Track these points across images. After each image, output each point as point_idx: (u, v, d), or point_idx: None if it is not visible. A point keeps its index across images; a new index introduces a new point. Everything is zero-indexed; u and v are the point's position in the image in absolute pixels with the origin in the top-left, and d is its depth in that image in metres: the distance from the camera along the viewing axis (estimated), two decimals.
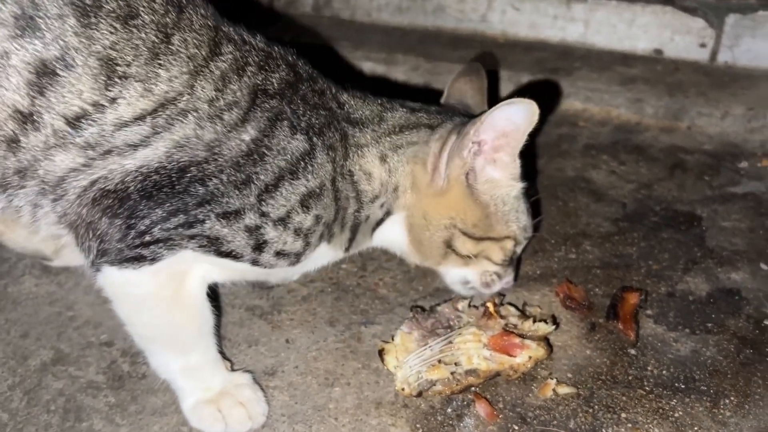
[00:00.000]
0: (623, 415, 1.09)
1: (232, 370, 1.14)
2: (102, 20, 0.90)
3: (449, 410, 1.10)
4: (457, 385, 1.10)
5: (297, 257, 1.06)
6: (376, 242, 1.20)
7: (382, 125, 1.13)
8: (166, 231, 0.95)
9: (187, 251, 0.97)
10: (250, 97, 0.97)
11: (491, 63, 2.01)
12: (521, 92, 1.08)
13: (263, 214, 0.98)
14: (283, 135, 0.99)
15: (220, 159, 0.95)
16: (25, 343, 1.21)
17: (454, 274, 1.22)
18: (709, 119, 1.86)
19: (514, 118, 1.05)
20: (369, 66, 2.14)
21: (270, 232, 1.00)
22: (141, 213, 0.95)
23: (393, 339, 1.17)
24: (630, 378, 1.16)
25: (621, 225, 1.53)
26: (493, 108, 1.03)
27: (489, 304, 1.19)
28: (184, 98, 0.94)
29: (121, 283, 1.00)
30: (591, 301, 1.31)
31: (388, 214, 1.15)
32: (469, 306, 1.22)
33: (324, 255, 1.14)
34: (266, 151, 0.98)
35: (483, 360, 1.11)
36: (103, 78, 0.90)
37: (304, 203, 1.01)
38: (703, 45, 2.03)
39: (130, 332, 1.06)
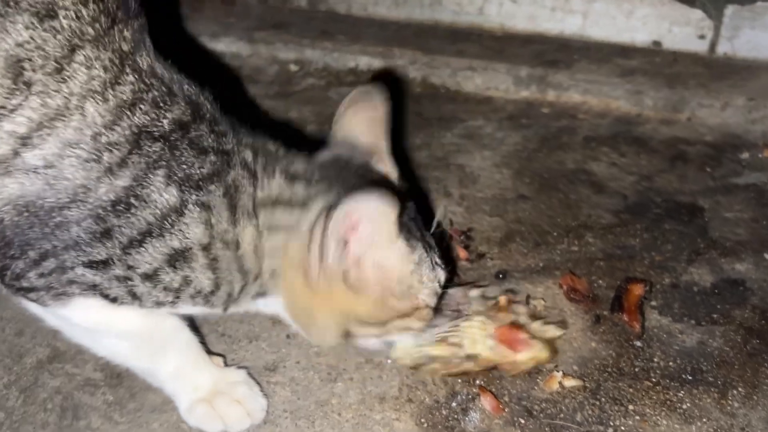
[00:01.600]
0: (630, 407, 1.08)
1: (226, 365, 1.12)
2: (21, 13, 0.83)
3: (454, 404, 1.08)
4: (454, 367, 1.09)
5: (173, 306, 0.96)
6: (262, 309, 1.07)
7: (259, 194, 0.97)
8: (43, 278, 0.89)
9: (77, 298, 0.91)
10: (134, 138, 0.88)
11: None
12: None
13: (130, 267, 0.90)
14: (155, 186, 0.88)
15: (82, 207, 0.87)
16: (20, 341, 1.18)
17: (374, 344, 1.05)
18: (710, 110, 1.85)
19: (371, 208, 0.88)
20: (366, 61, 2.12)
21: (140, 286, 0.91)
22: (15, 253, 0.88)
23: None
24: (636, 370, 1.15)
25: (623, 217, 1.51)
26: (345, 201, 0.87)
27: (501, 298, 1.17)
28: (74, 119, 0.85)
29: (40, 314, 0.98)
30: (595, 293, 1.29)
31: (264, 294, 1.01)
32: (481, 296, 1.20)
33: (205, 310, 1.01)
34: (134, 202, 0.87)
35: (486, 348, 1.09)
36: (8, 80, 0.83)
37: (172, 264, 0.90)
38: (702, 36, 2.01)
39: None
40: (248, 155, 0.97)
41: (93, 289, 0.91)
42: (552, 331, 1.16)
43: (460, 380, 1.11)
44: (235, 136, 0.98)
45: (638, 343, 1.19)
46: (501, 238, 1.44)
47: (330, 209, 0.90)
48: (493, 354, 1.10)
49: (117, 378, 1.12)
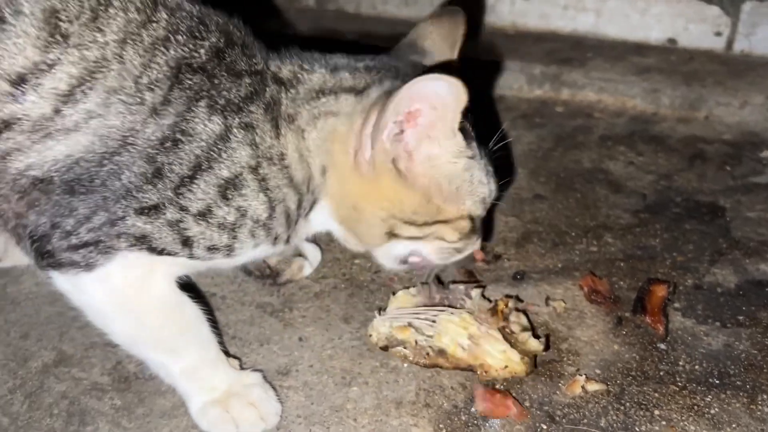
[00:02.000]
0: (656, 412, 1.04)
1: (241, 368, 1.09)
2: None
3: (473, 409, 1.04)
4: (424, 358, 1.08)
5: (230, 251, 0.95)
6: (317, 228, 1.08)
7: (300, 88, 0.97)
8: (92, 232, 0.88)
9: (123, 252, 0.89)
10: (173, 73, 0.88)
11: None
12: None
13: (182, 208, 0.89)
14: (199, 117, 0.89)
15: (132, 150, 0.87)
16: (25, 345, 1.15)
17: (398, 249, 1.06)
18: (728, 109, 1.81)
19: (440, 94, 0.88)
20: None
21: (193, 227, 0.90)
22: (64, 211, 0.87)
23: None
24: (661, 373, 1.10)
25: (642, 216, 1.48)
26: (414, 80, 0.87)
27: (501, 303, 1.14)
28: (113, 68, 0.85)
29: (70, 290, 0.94)
30: (616, 295, 1.25)
31: (315, 201, 1.02)
32: (482, 296, 1.17)
33: (269, 251, 1.02)
34: (181, 137, 0.88)
35: (455, 345, 1.07)
36: (45, 34, 0.82)
37: (224, 195, 0.90)
38: (718, 33, 1.98)
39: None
40: (280, 66, 0.98)
41: (141, 241, 0.89)
42: (534, 345, 1.11)
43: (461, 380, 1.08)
44: (265, 54, 0.98)
45: (662, 346, 1.15)
46: (518, 239, 1.41)
47: (392, 92, 0.90)
48: (465, 354, 1.07)
49: (125, 382, 1.08)
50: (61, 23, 0.82)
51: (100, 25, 0.84)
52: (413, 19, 2.28)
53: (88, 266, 0.89)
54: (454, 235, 1.03)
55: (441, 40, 1.10)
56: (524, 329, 1.12)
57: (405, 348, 1.10)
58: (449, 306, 1.14)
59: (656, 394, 1.07)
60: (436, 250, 1.06)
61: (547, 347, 1.12)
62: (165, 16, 0.89)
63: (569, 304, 1.23)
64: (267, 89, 0.95)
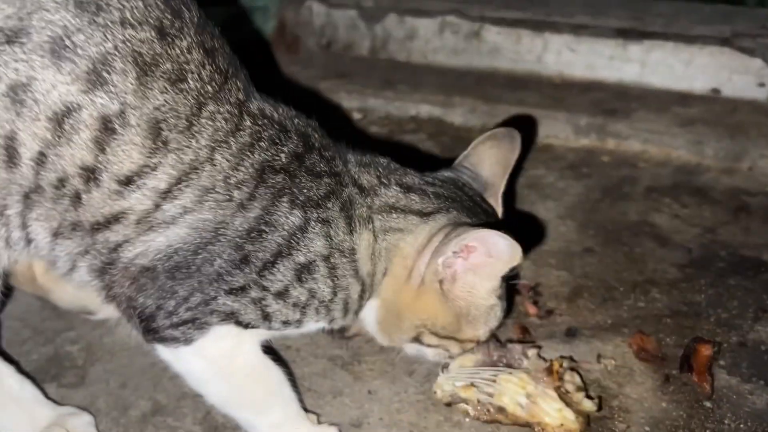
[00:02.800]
0: None
1: (319, 422, 1.20)
2: (156, 81, 0.93)
3: None
4: (485, 414, 1.19)
5: (299, 324, 1.08)
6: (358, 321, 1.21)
7: (376, 201, 1.11)
8: (189, 311, 1.01)
9: (215, 327, 1.03)
10: (258, 174, 1.00)
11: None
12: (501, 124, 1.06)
13: (264, 288, 1.02)
14: (281, 211, 1.01)
15: (223, 240, 0.99)
16: (124, 394, 1.28)
17: (411, 349, 1.22)
18: None
19: (500, 249, 1.04)
20: (426, 109, 2.20)
21: (272, 305, 1.03)
22: (167, 294, 1.00)
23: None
24: (707, 431, 1.18)
25: (687, 271, 1.55)
26: (485, 230, 1.03)
27: (556, 363, 1.22)
28: (206, 169, 0.97)
29: (173, 361, 1.08)
30: (664, 352, 1.33)
31: (370, 297, 1.14)
32: (538, 356, 1.25)
33: (323, 325, 1.14)
34: (265, 228, 1.00)
35: (515, 404, 1.17)
36: (149, 141, 0.94)
37: (299, 277, 1.03)
38: (761, 84, 2.04)
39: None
40: (360, 172, 1.12)
41: (230, 317, 1.02)
42: (588, 406, 1.19)
43: None
44: (343, 158, 1.12)
45: (708, 404, 1.23)
46: (569, 294, 1.50)
47: (455, 227, 1.07)
48: (523, 412, 1.17)
49: (215, 431, 1.20)
50: (162, 132, 0.94)
51: (195, 133, 0.96)
52: (462, 69, 2.39)
53: (187, 341, 1.03)
54: (457, 351, 1.19)
55: (496, 164, 1.23)
56: (578, 389, 1.21)
57: (467, 404, 1.20)
58: (507, 365, 1.23)
59: None
60: (435, 354, 1.20)
61: (599, 407, 1.20)
62: (249, 123, 1.01)
63: (619, 361, 1.32)
64: (345, 190, 1.08)
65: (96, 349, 1.38)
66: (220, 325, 1.03)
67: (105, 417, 1.23)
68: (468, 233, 1.03)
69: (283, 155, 1.03)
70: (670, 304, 1.46)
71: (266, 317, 1.04)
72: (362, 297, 1.11)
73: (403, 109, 2.23)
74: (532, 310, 1.44)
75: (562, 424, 1.15)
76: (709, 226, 1.69)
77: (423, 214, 1.11)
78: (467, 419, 1.20)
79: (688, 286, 1.51)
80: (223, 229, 0.99)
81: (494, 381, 1.19)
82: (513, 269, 1.15)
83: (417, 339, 1.15)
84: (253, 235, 1.00)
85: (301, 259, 1.02)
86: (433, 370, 1.30)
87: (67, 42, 0.89)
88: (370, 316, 1.17)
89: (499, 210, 1.22)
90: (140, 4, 0.93)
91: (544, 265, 1.58)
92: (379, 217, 1.10)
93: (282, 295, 1.03)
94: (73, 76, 0.89)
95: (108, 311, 1.42)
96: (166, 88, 0.94)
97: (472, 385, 1.19)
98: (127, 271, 1.00)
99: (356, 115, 2.25)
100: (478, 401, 1.19)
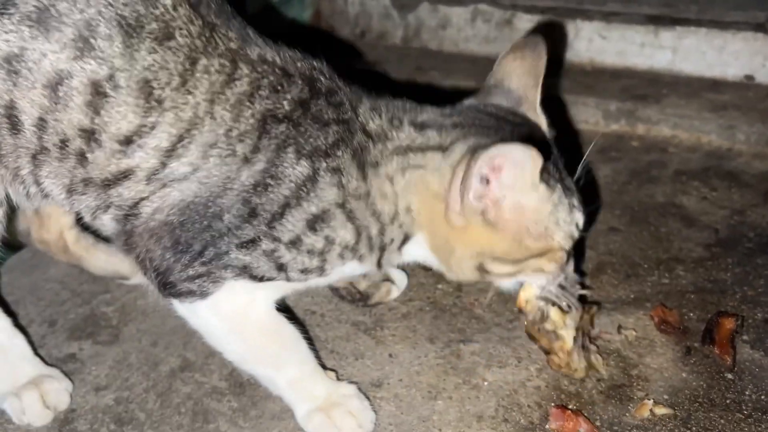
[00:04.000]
0: None
1: (338, 380, 1.23)
2: (143, 41, 0.95)
3: (547, 426, 1.15)
4: (540, 335, 1.18)
5: (321, 271, 1.08)
6: (409, 259, 1.17)
7: (388, 144, 1.07)
8: (204, 265, 1.03)
9: (230, 281, 1.05)
10: (260, 124, 1.00)
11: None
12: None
13: (275, 239, 1.02)
14: (287, 163, 1.00)
15: (230, 194, 1.00)
16: (155, 351, 1.33)
17: (506, 284, 1.16)
18: None
19: (516, 157, 0.97)
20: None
21: (285, 255, 1.03)
22: (182, 247, 1.03)
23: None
24: (728, 401, 1.18)
25: (714, 251, 1.54)
26: (489, 150, 0.96)
27: (593, 309, 1.28)
28: (206, 125, 0.98)
29: (189, 316, 1.12)
30: (685, 325, 1.33)
31: (407, 236, 1.11)
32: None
33: (357, 268, 1.14)
34: (271, 181, 1.00)
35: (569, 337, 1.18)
36: (142, 101, 0.96)
37: (312, 227, 1.03)
38: None
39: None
40: (370, 117, 1.07)
41: (244, 270, 1.04)
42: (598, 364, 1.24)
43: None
44: (353, 103, 1.07)
45: (729, 376, 1.23)
46: (592, 270, 1.50)
47: (476, 150, 0.99)
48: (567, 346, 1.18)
49: (240, 387, 1.24)
50: (154, 91, 0.97)
51: (190, 89, 0.98)
52: (493, 56, 2.40)
53: (202, 294, 1.06)
54: (551, 266, 1.11)
55: (525, 75, 1.14)
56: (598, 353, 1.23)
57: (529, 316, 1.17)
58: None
59: (722, 421, 1.14)
60: (537, 278, 1.14)
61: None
62: (246, 71, 1.00)
63: (640, 333, 1.32)
64: (354, 137, 1.05)
65: (130, 310, 1.44)
66: (235, 279, 1.05)
67: (136, 371, 1.29)
68: (481, 157, 0.97)
69: (285, 102, 1.01)
70: (694, 281, 1.45)
71: (281, 268, 1.05)
72: (383, 233, 1.08)
73: None
74: None
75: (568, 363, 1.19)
76: (738, 208, 1.68)
77: (443, 149, 1.06)
78: (485, 383, 1.22)
79: (714, 265, 1.50)
80: (230, 184, 1.00)
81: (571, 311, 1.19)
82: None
83: (484, 270, 1.09)
84: (259, 188, 1.00)
85: (313, 209, 1.02)
86: (453, 337, 1.33)
87: (52, 11, 0.94)
88: (420, 250, 1.13)
89: (542, 120, 1.15)
90: None
91: None
92: (394, 158, 1.06)
93: (295, 244, 1.03)
94: (60, 44, 0.94)
95: (141, 277, 1.48)
96: (153, 48, 0.97)
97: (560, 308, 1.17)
98: (147, 225, 1.04)
99: None
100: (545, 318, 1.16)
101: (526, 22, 2.30)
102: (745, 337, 1.30)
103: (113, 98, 0.96)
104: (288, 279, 1.08)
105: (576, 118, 2.08)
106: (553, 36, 2.22)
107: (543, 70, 1.14)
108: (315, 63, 1.08)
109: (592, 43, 2.24)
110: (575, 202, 1.10)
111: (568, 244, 1.11)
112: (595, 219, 1.41)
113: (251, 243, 1.03)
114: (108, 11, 0.95)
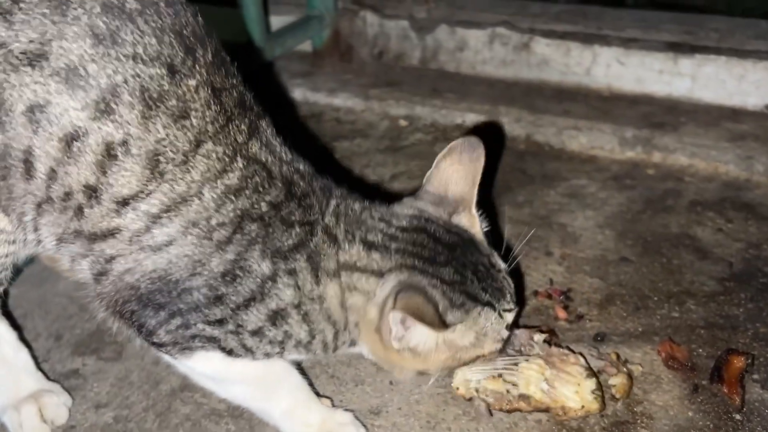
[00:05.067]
0: None
1: (333, 406, 1.22)
2: (160, 116, 0.98)
3: None
4: (507, 404, 1.19)
5: (281, 356, 1.12)
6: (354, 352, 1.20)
7: (341, 255, 1.09)
8: (169, 333, 1.06)
9: (200, 351, 1.08)
10: (238, 220, 1.03)
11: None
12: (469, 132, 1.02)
13: (240, 326, 1.06)
14: (253, 259, 1.04)
15: (200, 279, 1.03)
16: (156, 369, 1.34)
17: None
18: None
19: (418, 326, 1.02)
20: (472, 117, 2.21)
21: (249, 341, 1.07)
22: (149, 312, 1.05)
23: None
24: None
25: (727, 285, 1.51)
26: (397, 310, 1.01)
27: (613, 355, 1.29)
28: (195, 203, 1.01)
29: (172, 364, 1.15)
30: (694, 362, 1.30)
31: (353, 342, 1.15)
32: (544, 341, 1.26)
33: (313, 356, 1.17)
34: (240, 273, 1.04)
35: (539, 390, 1.18)
36: (148, 171, 0.99)
37: (273, 322, 1.06)
38: None
39: None
40: (331, 222, 1.11)
41: (212, 342, 1.07)
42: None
43: None
44: (322, 206, 1.11)
45: (738, 417, 1.20)
46: (601, 300, 1.48)
47: (397, 295, 1.03)
48: (545, 397, 1.18)
49: (238, 410, 1.24)
50: (160, 164, 1.00)
51: (189, 167, 1.01)
52: (510, 80, 2.41)
53: (174, 358, 1.10)
54: (478, 361, 1.15)
55: (462, 180, 1.14)
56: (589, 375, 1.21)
57: (487, 397, 1.19)
58: (518, 352, 1.23)
59: None
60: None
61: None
62: (240, 166, 1.04)
63: (647, 368, 1.30)
64: (313, 239, 1.08)
65: None
66: (205, 350, 1.08)
67: (137, 390, 1.29)
68: (392, 313, 1.03)
69: (263, 203, 1.05)
70: (705, 316, 1.42)
71: (247, 349, 1.08)
72: (337, 338, 1.12)
73: (449, 117, 2.25)
74: (561, 314, 1.44)
75: (583, 406, 1.16)
76: (754, 241, 1.65)
77: (380, 275, 1.08)
78: (486, 412, 1.20)
79: (727, 299, 1.47)
80: (200, 269, 1.03)
81: (516, 369, 1.19)
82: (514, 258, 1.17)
83: (424, 374, 1.14)
84: (227, 278, 1.04)
85: (273, 306, 1.06)
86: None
87: (81, 71, 0.96)
88: (366, 352, 1.17)
89: (476, 223, 1.16)
90: (154, 41, 0.98)
91: (578, 271, 1.57)
92: (345, 273, 1.09)
93: (257, 333, 1.07)
94: (83, 103, 0.96)
95: None
96: (169, 123, 0.99)
97: (499, 376, 1.19)
98: (115, 284, 1.06)
99: (402, 123, 2.29)
100: (507, 391, 1.18)
101: (543, 46, 2.30)
102: (755, 376, 1.27)
103: (122, 163, 0.99)
104: (254, 358, 1.10)
105: (590, 145, 2.06)
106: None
107: (480, 171, 1.14)
108: (300, 166, 1.13)
109: (610, 68, 2.23)
110: (505, 305, 1.12)
111: (498, 347, 1.14)
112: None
113: (218, 322, 1.06)
114: (134, 81, 0.97)
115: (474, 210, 1.16)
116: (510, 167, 2.01)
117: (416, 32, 2.50)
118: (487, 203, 1.21)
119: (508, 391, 1.19)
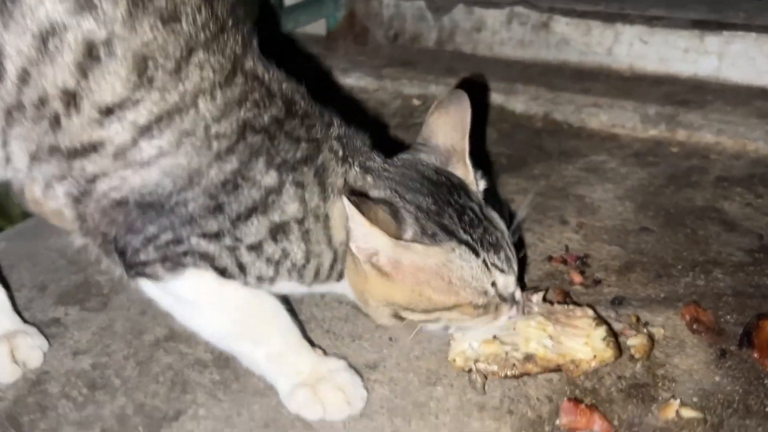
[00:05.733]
0: None
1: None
2: (147, 16, 0.90)
3: (557, 422, 1.03)
4: (512, 369, 1.06)
5: (271, 283, 1.05)
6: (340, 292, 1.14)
7: (348, 176, 1.06)
8: (159, 249, 0.99)
9: (191, 269, 1.00)
10: (240, 130, 0.98)
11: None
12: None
13: (237, 239, 1.00)
14: (258, 170, 0.99)
15: (196, 189, 0.97)
16: (142, 320, 1.26)
17: (433, 329, 1.09)
18: None
19: (353, 215, 0.96)
20: (488, 96, 2.14)
21: (244, 256, 1.01)
22: (136, 228, 0.99)
23: None
24: (767, 409, 1.04)
25: (757, 256, 1.40)
26: (351, 211, 0.96)
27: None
28: (189, 115, 0.95)
29: (157, 297, 1.07)
30: (721, 327, 1.19)
31: (341, 275, 1.09)
32: (544, 300, 1.17)
33: (296, 288, 1.10)
34: (242, 182, 0.98)
35: (541, 346, 1.07)
36: (134, 76, 0.91)
37: (273, 236, 1.01)
38: None
39: None
40: (334, 143, 1.06)
41: (205, 259, 0.99)
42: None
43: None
44: (323, 127, 1.07)
45: None
46: (620, 267, 1.38)
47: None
48: (551, 353, 1.07)
49: (224, 361, 1.15)
50: (148, 69, 0.92)
51: (182, 77, 0.94)
52: (529, 61, 2.33)
53: (158, 279, 1.02)
54: (465, 318, 1.05)
55: (451, 131, 1.12)
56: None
57: (490, 364, 1.07)
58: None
59: (760, 429, 1.01)
60: (445, 327, 1.08)
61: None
62: (241, 81, 0.99)
63: (669, 332, 1.19)
64: (320, 155, 1.04)
65: (123, 279, 1.36)
66: (195, 266, 1.00)
67: (119, 339, 1.22)
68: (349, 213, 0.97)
69: (266, 117, 1.00)
70: (733, 285, 1.32)
71: (241, 268, 1.01)
72: (333, 267, 1.06)
73: None
74: (577, 278, 1.34)
75: (595, 356, 1.07)
76: None
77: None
78: (481, 387, 1.09)
79: (756, 270, 1.36)
80: (197, 178, 0.97)
81: (514, 329, 1.09)
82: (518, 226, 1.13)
83: (400, 317, 1.06)
84: (228, 187, 0.98)
85: (276, 218, 1.00)
86: None
87: None
88: (347, 290, 1.11)
89: (469, 174, 1.12)
90: None
91: (596, 240, 1.47)
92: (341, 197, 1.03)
93: (255, 248, 1.00)
94: None
95: None
96: (157, 25, 0.91)
97: (495, 337, 1.09)
98: (99, 203, 0.99)
99: (415, 102, 2.22)
100: (507, 354, 1.08)
101: (563, 25, 2.22)
102: None
103: (106, 65, 0.91)
104: (245, 283, 1.04)
105: (611, 122, 1.96)
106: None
107: (468, 122, 1.12)
108: (297, 86, 1.08)
109: (632, 48, 2.14)
110: (495, 259, 1.04)
111: (479, 300, 1.03)
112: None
113: (214, 236, 0.99)
114: None
115: (468, 160, 1.13)
116: (526, 144, 1.93)
117: (433, 13, 2.44)
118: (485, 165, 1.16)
119: (508, 354, 1.07)
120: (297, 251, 1.03)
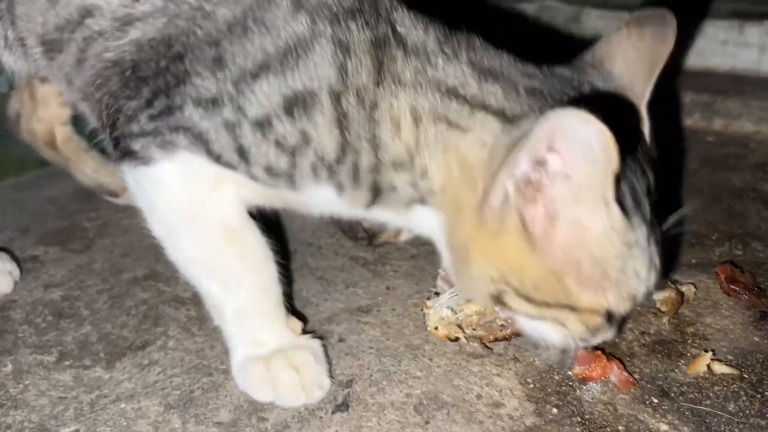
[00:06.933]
0: None
1: (304, 332, 0.93)
2: None
3: (569, 371, 0.90)
4: (501, 331, 0.90)
5: (291, 181, 0.82)
6: (416, 228, 0.91)
7: (427, 70, 0.78)
8: (153, 120, 0.80)
9: (183, 152, 0.81)
10: None
11: None
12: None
13: (239, 109, 0.78)
14: (280, 11, 0.76)
15: (198, 32, 0.78)
16: (124, 261, 1.17)
17: (523, 324, 0.85)
18: None
19: (589, 143, 0.66)
20: None
21: (248, 135, 0.78)
22: (131, 92, 0.82)
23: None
24: None
25: None
26: (554, 113, 0.66)
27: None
28: None
29: (133, 187, 0.86)
30: (761, 287, 1.06)
31: (421, 201, 0.82)
32: None
33: (334, 202, 0.85)
34: (253, 25, 0.76)
35: None
36: None
37: (288, 109, 0.77)
38: None
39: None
40: (411, 24, 0.81)
41: (199, 139, 0.80)
42: None
43: None
44: (391, 3, 0.82)
45: None
46: None
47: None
48: None
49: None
50: None
51: None
52: None
53: (146, 159, 0.82)
54: (579, 328, 0.81)
55: (637, 61, 0.83)
56: None
57: (476, 329, 0.91)
58: None
59: None
60: (559, 334, 0.82)
61: None
62: None
63: (702, 293, 1.06)
64: (383, 25, 0.79)
65: (111, 226, 1.29)
66: (189, 149, 0.81)
67: (96, 276, 1.13)
68: (540, 125, 0.67)
69: None
70: None
71: (242, 153, 0.80)
72: (377, 172, 0.81)
73: None
74: None
75: None
76: None
77: (506, 118, 0.76)
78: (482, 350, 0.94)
79: None
80: (201, 20, 0.79)
81: None
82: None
83: (499, 301, 0.80)
84: (236, 30, 0.77)
85: (297, 84, 0.76)
86: None
87: None
88: (433, 230, 0.85)
89: (645, 127, 0.85)
90: None
91: None
92: (430, 96, 0.77)
93: (261, 125, 0.78)
94: None
95: (129, 196, 1.34)
96: None
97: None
98: (95, 66, 0.86)
99: None
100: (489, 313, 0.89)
101: (594, 18, 2.14)
102: None
103: None
104: (251, 175, 0.82)
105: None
106: None
107: (665, 57, 0.83)
108: None
109: None
110: (656, 258, 0.79)
111: (620, 308, 0.79)
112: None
113: (212, 103, 0.79)
114: None
115: (645, 110, 0.85)
116: None
117: None
118: None
119: (495, 316, 0.89)
120: (325, 138, 0.77)
